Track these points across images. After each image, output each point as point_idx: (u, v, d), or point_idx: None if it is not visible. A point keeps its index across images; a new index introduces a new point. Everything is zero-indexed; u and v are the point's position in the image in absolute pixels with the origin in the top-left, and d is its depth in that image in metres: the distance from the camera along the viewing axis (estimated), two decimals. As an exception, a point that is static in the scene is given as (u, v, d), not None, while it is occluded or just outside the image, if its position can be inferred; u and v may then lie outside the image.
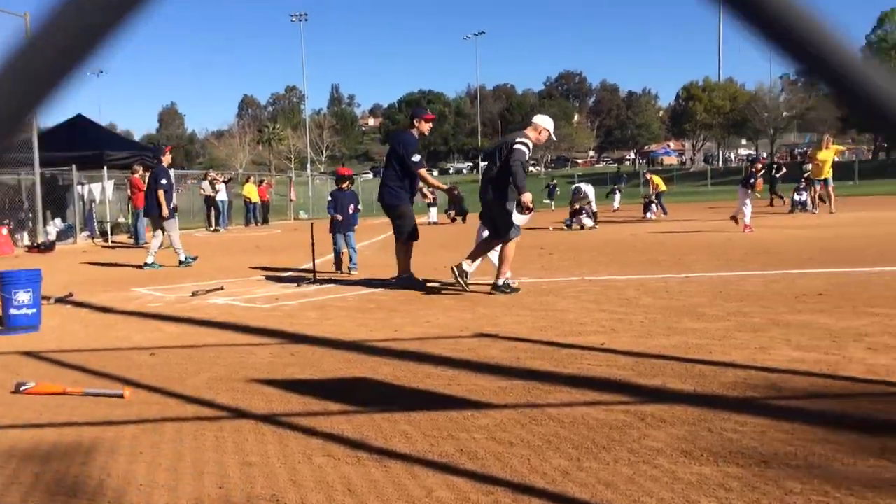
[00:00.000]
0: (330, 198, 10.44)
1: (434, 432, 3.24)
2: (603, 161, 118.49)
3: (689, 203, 32.10)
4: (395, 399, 3.83)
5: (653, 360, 4.46)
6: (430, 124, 8.65)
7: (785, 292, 6.78)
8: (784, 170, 23.99)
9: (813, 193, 19.27)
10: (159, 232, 11.68)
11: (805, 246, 10.99)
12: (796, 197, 20.45)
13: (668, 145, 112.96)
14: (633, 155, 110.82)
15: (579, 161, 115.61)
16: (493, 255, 7.95)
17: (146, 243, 15.16)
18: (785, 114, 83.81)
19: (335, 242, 9.99)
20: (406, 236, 8.39)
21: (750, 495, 2.44)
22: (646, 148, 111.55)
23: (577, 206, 18.45)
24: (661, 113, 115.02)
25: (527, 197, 7.32)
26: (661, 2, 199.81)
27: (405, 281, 8.32)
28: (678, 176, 63.16)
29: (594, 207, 18.84)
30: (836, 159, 18.52)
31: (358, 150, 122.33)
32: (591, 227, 17.83)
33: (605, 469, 2.73)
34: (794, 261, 9.19)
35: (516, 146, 7.43)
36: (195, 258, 11.82)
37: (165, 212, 11.31)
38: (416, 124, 8.46)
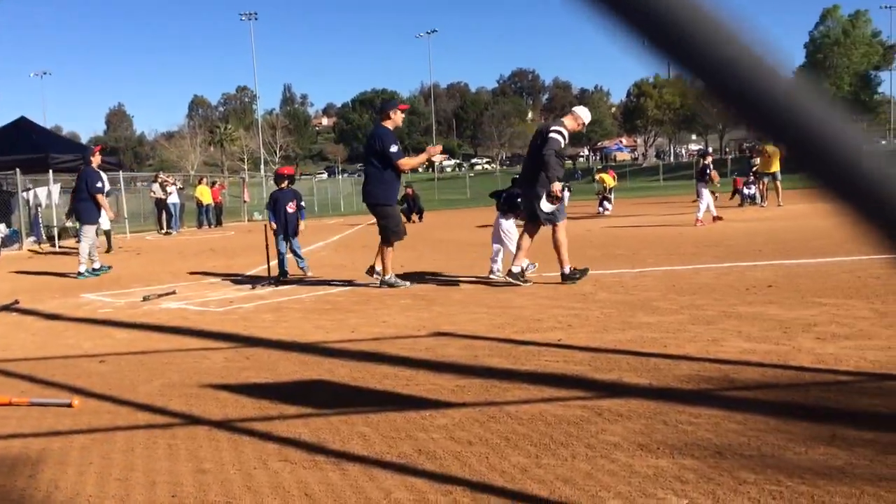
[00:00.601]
0: (269, 199, 10.02)
1: (392, 433, 3.22)
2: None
3: (642, 198, 32.57)
4: (352, 401, 3.80)
5: (609, 354, 4.50)
6: (404, 114, 8.53)
7: (736, 284, 6.90)
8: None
9: (761, 187, 19.69)
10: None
11: (754, 238, 11.22)
12: (745, 191, 20.87)
13: (621, 141, 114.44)
14: (586, 151, 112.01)
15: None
16: (511, 244, 8.04)
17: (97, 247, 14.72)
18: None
19: (278, 246, 9.45)
20: (392, 238, 8.13)
21: (705, 487, 2.47)
22: (599, 144, 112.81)
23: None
24: (613, 109, 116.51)
25: (556, 186, 7.41)
26: None
27: (388, 283, 8.15)
28: (631, 172, 64.07)
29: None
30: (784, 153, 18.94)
31: (312, 150, 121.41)
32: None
33: (563, 465, 2.74)
34: (744, 253, 9.37)
35: (551, 135, 7.51)
36: (108, 268, 11.27)
37: (112, 214, 10.94)
38: (392, 116, 8.29)
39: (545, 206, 7.51)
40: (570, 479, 2.59)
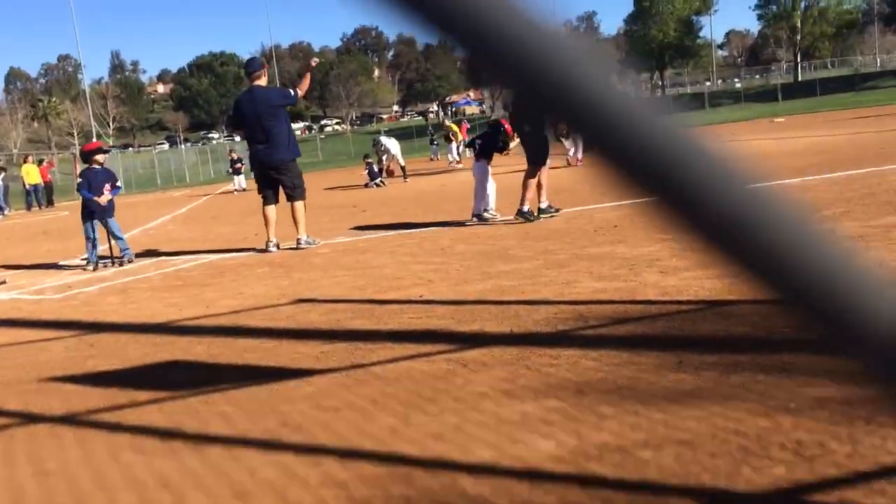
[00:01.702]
0: (80, 178, 8.72)
1: (255, 408, 3.09)
2: (408, 115, 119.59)
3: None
4: (211, 379, 3.62)
5: (470, 305, 4.55)
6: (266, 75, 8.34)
7: (585, 227, 7.18)
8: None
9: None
10: None
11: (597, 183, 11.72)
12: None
13: (469, 95, 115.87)
14: (436, 107, 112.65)
15: (384, 116, 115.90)
16: (485, 186, 8.49)
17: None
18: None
19: (88, 232, 8.22)
20: (304, 194, 8.05)
21: (569, 426, 2.54)
22: (448, 99, 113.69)
23: (383, 163, 18.44)
24: (458, 64, 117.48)
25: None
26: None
27: (310, 242, 8.01)
28: (481, 124, 65.10)
29: (401, 161, 18.91)
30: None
31: (149, 119, 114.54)
32: (403, 181, 17.90)
33: (433, 421, 2.73)
34: (591, 196, 9.76)
35: None
36: None
37: None
38: (264, 75, 8.17)
39: (567, 143, 8.10)
40: (440, 435, 2.59)
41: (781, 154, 13.14)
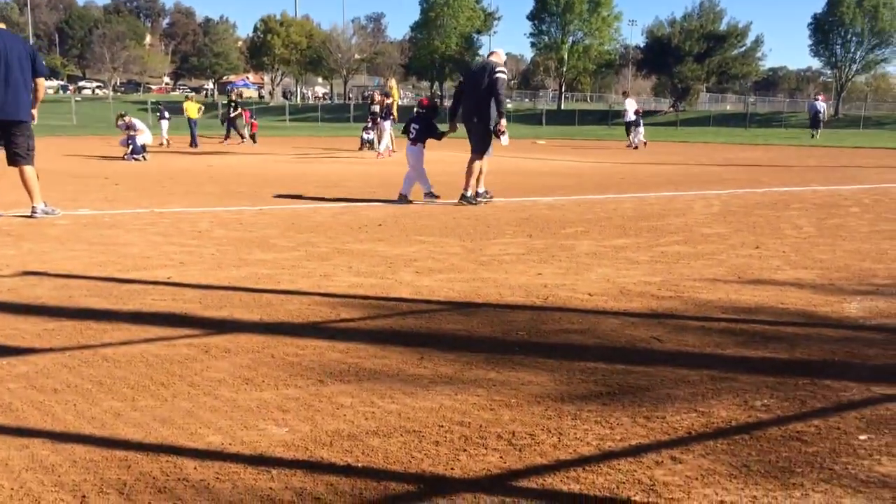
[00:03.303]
0: None
1: (-45, 388, 2.75)
2: (179, 88, 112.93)
3: (270, 137, 32.37)
4: None
5: (221, 291, 4.39)
6: None
7: (351, 223, 7.24)
8: (239, 110, 25.65)
9: (379, 132, 20.84)
10: None
11: (369, 180, 11.89)
12: (365, 136, 21.93)
13: (247, 77, 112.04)
14: (211, 85, 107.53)
15: (153, 87, 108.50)
16: (418, 168, 9.24)
17: None
18: (356, 56, 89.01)
19: None
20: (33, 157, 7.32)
21: (305, 413, 2.54)
22: (224, 78, 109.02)
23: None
24: (239, 44, 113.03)
25: (503, 122, 8.61)
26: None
27: (48, 212, 7.31)
28: (259, 110, 63.19)
29: (148, 138, 17.70)
30: (401, 102, 20.26)
31: None
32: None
33: (162, 406, 2.60)
34: (359, 193, 9.87)
35: (499, 75, 8.43)
36: None
37: None
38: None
39: (504, 139, 8.75)
40: (168, 419, 2.47)
41: (538, 173, 14.17)
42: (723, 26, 71.52)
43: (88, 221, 7.09)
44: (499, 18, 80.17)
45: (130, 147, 16.35)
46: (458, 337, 3.58)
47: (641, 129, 25.26)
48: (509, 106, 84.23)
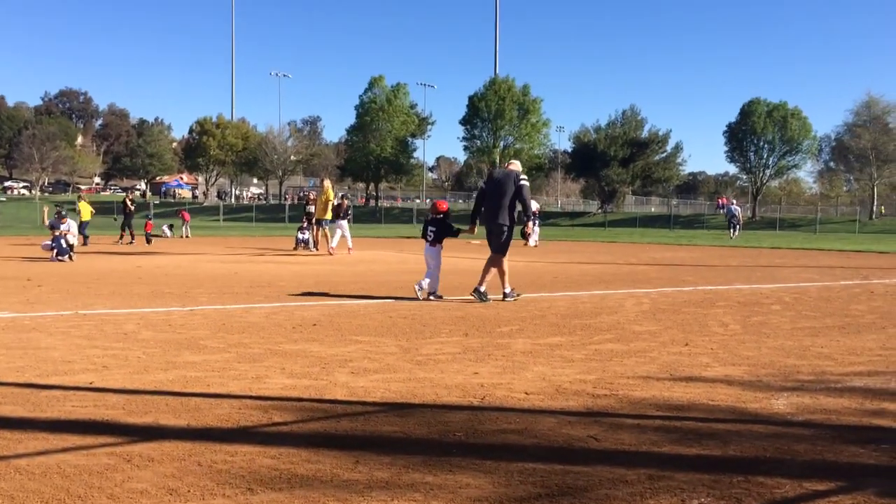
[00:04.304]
0: None
1: None
2: (110, 189, 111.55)
3: (202, 237, 32.00)
4: None
5: (147, 396, 4.22)
6: None
7: (284, 323, 7.12)
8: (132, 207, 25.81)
9: (315, 233, 20.87)
10: None
11: (305, 280, 11.78)
12: (300, 236, 21.92)
13: (181, 178, 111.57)
14: (144, 185, 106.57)
15: (83, 187, 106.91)
16: (437, 268, 9.68)
17: None
18: (292, 158, 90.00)
19: None
20: None
21: (234, 525, 2.42)
22: (158, 179, 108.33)
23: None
24: (174, 145, 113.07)
25: (530, 225, 10.07)
26: (175, 28, 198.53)
27: None
28: (191, 210, 62.67)
29: (73, 239, 17.29)
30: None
31: None
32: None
33: (78, 521, 2.44)
34: (294, 294, 9.76)
35: (523, 183, 9.21)
36: None
37: None
38: None
39: (532, 241, 9.85)
40: (84, 537, 2.31)
41: (473, 272, 14.32)
42: (644, 133, 75.38)
43: (7, 324, 6.79)
44: (433, 123, 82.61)
45: (55, 249, 15.91)
46: (394, 439, 3.50)
47: (537, 229, 26.20)
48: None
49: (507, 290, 9.40)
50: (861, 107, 66.85)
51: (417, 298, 9.20)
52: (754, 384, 4.71)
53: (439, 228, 9.92)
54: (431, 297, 9.39)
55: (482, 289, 9.25)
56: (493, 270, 9.35)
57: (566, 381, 4.71)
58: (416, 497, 2.71)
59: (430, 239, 9.84)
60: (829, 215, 68.99)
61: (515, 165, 9.69)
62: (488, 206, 9.47)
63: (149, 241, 24.89)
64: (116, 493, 2.70)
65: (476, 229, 9.80)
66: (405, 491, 2.78)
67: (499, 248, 9.35)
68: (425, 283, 9.45)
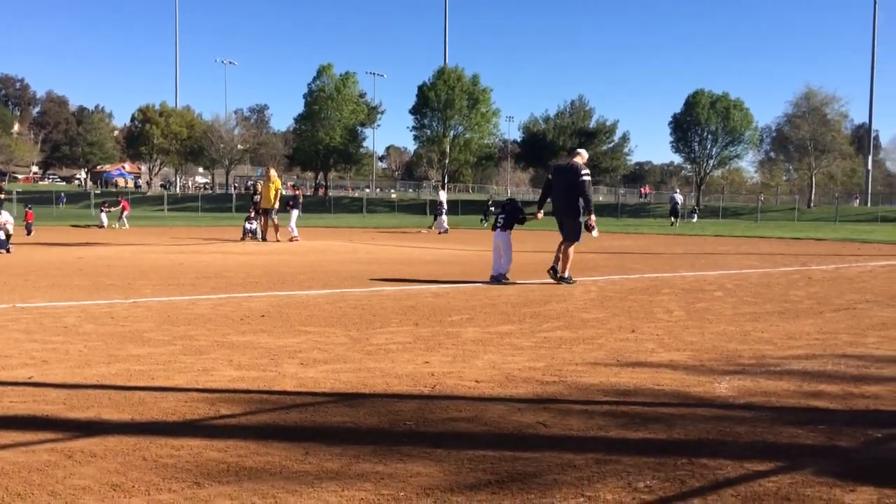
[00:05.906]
0: None
1: None
2: (49, 178, 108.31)
3: (146, 227, 31.28)
4: None
5: (89, 390, 4.12)
6: None
7: (231, 315, 7.01)
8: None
9: (262, 223, 20.59)
10: None
11: (252, 270, 11.62)
12: (247, 225, 21.60)
13: (124, 167, 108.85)
14: (84, 174, 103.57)
15: (20, 177, 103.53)
16: (509, 252, 10.35)
17: None
18: (239, 147, 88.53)
19: None
20: None
21: (180, 520, 2.38)
22: (99, 168, 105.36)
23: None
24: (116, 133, 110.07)
25: (593, 218, 10.16)
26: (113, 17, 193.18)
27: None
28: (134, 199, 61.20)
29: (10, 229, 16.66)
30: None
31: None
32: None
33: (17, 520, 2.37)
34: (241, 284, 9.62)
35: (584, 178, 9.96)
36: None
37: None
38: None
39: (594, 232, 10.26)
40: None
41: (422, 261, 14.34)
42: (592, 123, 76.27)
43: (-61, 319, 6.54)
44: (382, 112, 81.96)
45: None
46: (344, 430, 3.49)
47: (445, 217, 28.60)
48: (393, 195, 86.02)
49: (566, 276, 10.03)
50: (800, 98, 68.94)
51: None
52: (698, 369, 4.83)
53: (508, 216, 10.71)
54: (504, 280, 10.10)
55: (565, 275, 9.96)
56: (570, 255, 10.04)
57: (516, 369, 4.75)
58: (366, 487, 2.71)
59: (499, 225, 10.61)
60: (769, 204, 70.97)
61: (580, 157, 10.31)
62: (555, 198, 10.35)
63: (29, 233, 23.01)
64: (58, 489, 2.63)
65: (541, 214, 10.50)
66: (355, 481, 2.77)
67: (568, 237, 10.10)
68: (503, 268, 10.21)
